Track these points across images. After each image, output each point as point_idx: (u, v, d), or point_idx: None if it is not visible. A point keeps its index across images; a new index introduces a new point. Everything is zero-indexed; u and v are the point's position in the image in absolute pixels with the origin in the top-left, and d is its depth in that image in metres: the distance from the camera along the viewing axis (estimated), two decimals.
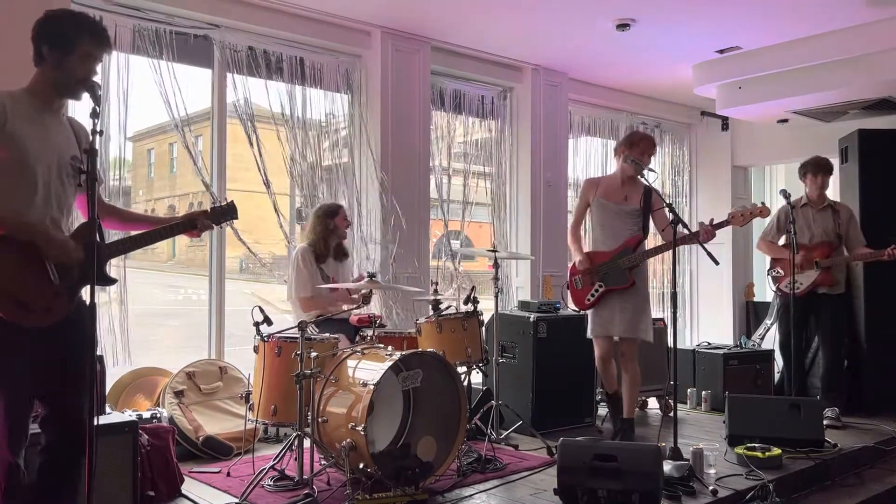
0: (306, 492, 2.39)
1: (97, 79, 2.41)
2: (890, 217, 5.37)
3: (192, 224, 2.66)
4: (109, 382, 4.08)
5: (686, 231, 4.04)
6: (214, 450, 4.01)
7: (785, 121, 6.71)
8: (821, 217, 5.05)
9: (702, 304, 7.98)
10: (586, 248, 4.53)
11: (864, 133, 5.80)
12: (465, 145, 6.13)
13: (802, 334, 5.23)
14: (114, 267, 4.18)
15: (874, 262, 5.14)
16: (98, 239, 2.23)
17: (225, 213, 2.82)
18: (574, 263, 4.48)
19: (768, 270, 5.35)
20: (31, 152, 2.28)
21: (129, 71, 4.38)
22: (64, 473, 2.34)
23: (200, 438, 4.02)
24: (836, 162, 6.35)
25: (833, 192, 7.02)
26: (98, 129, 2.19)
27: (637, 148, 4.32)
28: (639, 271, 4.33)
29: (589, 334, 4.48)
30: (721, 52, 5.87)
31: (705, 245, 3.99)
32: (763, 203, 4.18)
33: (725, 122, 7.66)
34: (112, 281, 2.47)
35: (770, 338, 6.10)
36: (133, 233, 2.72)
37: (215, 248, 4.76)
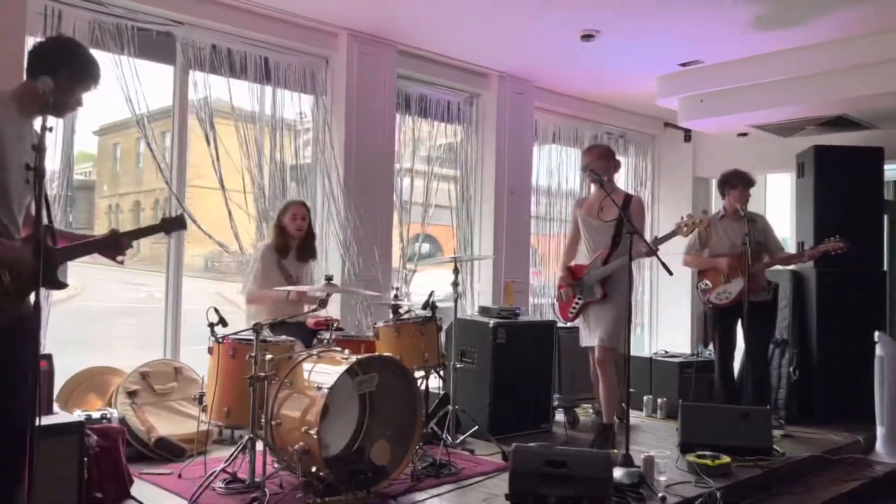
0: (254, 495, 2.37)
1: None
2: (843, 230, 5.51)
3: (113, 243, 2.59)
4: (60, 381, 4.01)
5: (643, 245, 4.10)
6: (167, 451, 3.95)
7: (745, 134, 6.85)
8: (738, 227, 5.13)
9: (661, 313, 8.10)
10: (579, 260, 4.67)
11: (821, 149, 5.95)
12: (429, 149, 6.14)
13: (732, 344, 5.31)
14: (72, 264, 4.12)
15: (826, 272, 5.25)
16: (51, 242, 2.20)
17: (175, 224, 2.80)
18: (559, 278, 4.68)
19: (697, 283, 5.39)
20: (8, 156, 2.31)
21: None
22: (3, 473, 2.30)
23: (153, 439, 3.96)
24: (792, 176, 6.52)
25: (789, 205, 7.21)
26: (47, 125, 2.17)
27: (586, 157, 4.51)
28: (615, 283, 4.35)
29: (581, 344, 4.65)
30: (684, 65, 5.98)
31: (659, 256, 4.05)
32: (705, 212, 4.26)
33: (688, 134, 7.79)
34: (63, 285, 2.45)
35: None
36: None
37: (173, 246, 4.71)
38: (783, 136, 6.80)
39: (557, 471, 3.23)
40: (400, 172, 5.81)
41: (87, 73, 2.50)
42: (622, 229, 4.33)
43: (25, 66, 2.50)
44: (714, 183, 8.15)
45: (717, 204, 8.17)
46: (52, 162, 4.09)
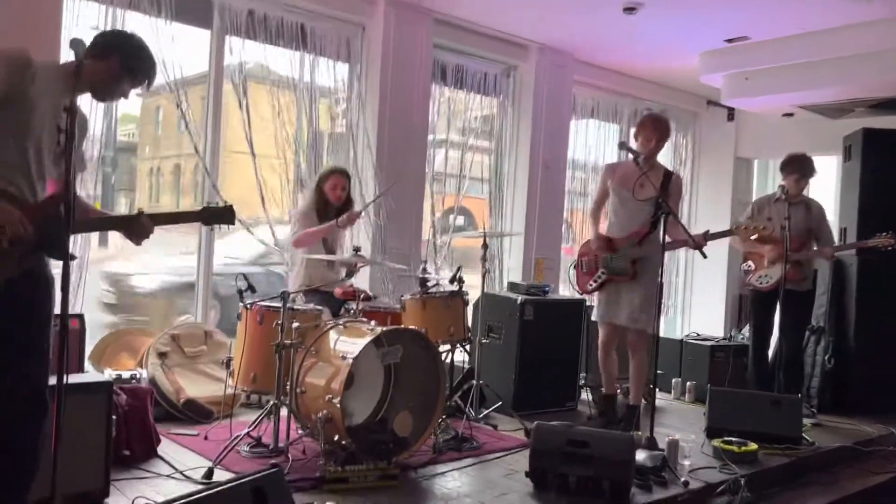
0: (273, 461, 2.41)
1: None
2: (889, 217, 5.32)
3: (135, 224, 2.52)
4: (90, 340, 4.10)
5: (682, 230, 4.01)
6: (195, 412, 4.03)
7: (791, 115, 6.64)
8: (794, 212, 5.00)
9: (695, 295, 7.97)
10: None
11: (870, 132, 5.71)
12: (464, 120, 6.07)
13: (767, 329, 5.20)
14: None
15: (869, 259, 5.10)
16: (68, 210, 2.20)
17: (218, 216, 2.66)
18: (586, 242, 4.48)
19: (741, 264, 5.30)
20: (35, 124, 2.32)
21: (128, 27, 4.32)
22: (21, 429, 2.35)
23: (182, 401, 4.03)
24: (838, 159, 6.31)
25: (834, 189, 6.99)
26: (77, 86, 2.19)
27: (642, 131, 4.25)
28: (647, 263, 4.23)
29: (594, 317, 4.52)
30: (729, 41, 5.78)
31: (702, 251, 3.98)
32: (770, 219, 4.16)
33: (731, 113, 7.58)
34: (72, 258, 2.35)
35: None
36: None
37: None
38: (831, 117, 6.57)
39: (579, 450, 3.21)
40: (434, 143, 5.77)
41: (140, 68, 2.51)
42: (660, 210, 4.18)
43: (87, 46, 2.43)
44: (756, 164, 8.01)
45: (759, 187, 8.01)
46: (95, 123, 4.13)
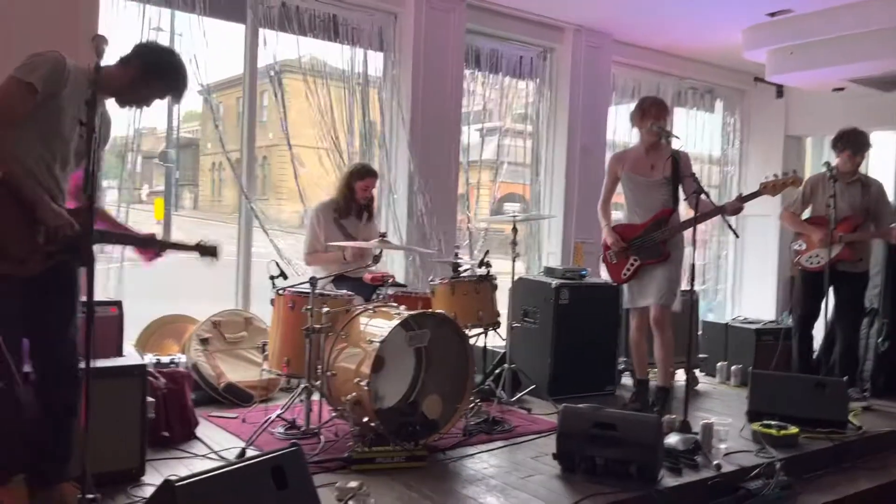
0: (292, 441, 2.49)
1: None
2: None
3: (145, 243, 2.72)
4: (137, 327, 4.27)
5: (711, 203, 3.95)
6: (235, 396, 4.15)
7: (841, 89, 6.38)
8: (849, 191, 4.80)
9: (745, 280, 7.77)
10: (622, 219, 4.48)
11: None
12: (501, 105, 6.05)
13: (815, 312, 5.03)
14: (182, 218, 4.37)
15: None
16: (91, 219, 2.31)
17: (207, 251, 2.89)
18: (604, 240, 4.47)
19: (791, 243, 5.14)
20: (66, 127, 2.46)
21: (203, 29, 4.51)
22: (51, 408, 2.50)
23: (222, 385, 4.17)
24: (894, 134, 6.05)
25: (893, 165, 6.72)
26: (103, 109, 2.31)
27: (649, 115, 4.22)
28: (674, 242, 4.28)
29: (625, 305, 4.52)
30: (772, 15, 5.59)
31: (729, 219, 3.90)
32: (795, 171, 4.03)
33: (780, 90, 7.34)
34: (91, 262, 2.45)
35: None
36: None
37: (244, 201, 4.85)
38: (884, 90, 6.28)
39: (606, 433, 3.19)
40: (470, 129, 5.77)
41: (161, 81, 2.59)
42: (677, 188, 4.22)
43: (124, 53, 2.60)
44: (808, 142, 7.74)
45: (810, 164, 7.74)
46: (157, 120, 4.31)
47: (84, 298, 2.33)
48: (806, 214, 5.14)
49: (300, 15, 4.90)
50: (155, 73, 2.57)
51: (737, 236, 3.80)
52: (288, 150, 4.98)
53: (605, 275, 4.54)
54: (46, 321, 2.46)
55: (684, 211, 4.41)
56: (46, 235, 2.38)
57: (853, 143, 4.83)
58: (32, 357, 2.52)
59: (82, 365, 2.25)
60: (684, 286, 4.54)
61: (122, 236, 2.83)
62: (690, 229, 3.90)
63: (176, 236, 3.11)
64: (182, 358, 4.00)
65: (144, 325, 4.40)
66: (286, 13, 4.84)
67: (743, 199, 4.13)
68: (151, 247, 2.72)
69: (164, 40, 4.43)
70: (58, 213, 2.39)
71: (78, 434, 2.41)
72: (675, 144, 4.17)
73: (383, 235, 3.77)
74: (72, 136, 2.48)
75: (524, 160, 6.25)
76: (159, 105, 4.20)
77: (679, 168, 4.20)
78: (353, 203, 4.50)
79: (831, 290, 4.88)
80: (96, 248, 2.35)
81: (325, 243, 4.43)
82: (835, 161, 4.96)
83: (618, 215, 4.61)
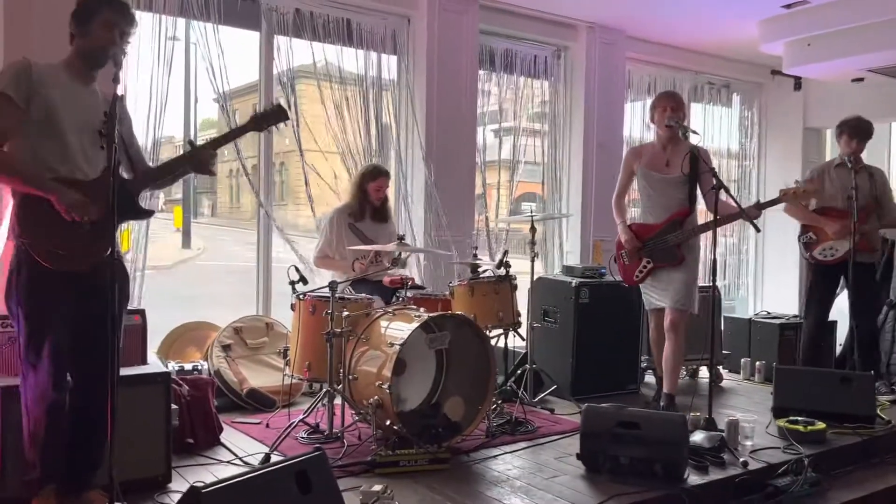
0: (316, 446, 2.49)
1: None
2: None
3: (197, 158, 2.68)
4: (159, 335, 4.30)
5: (733, 202, 3.90)
6: (258, 402, 4.18)
7: (860, 79, 6.30)
8: (859, 180, 4.73)
9: (767, 274, 7.69)
10: (636, 218, 4.41)
11: None
12: (516, 105, 6.04)
13: (829, 306, 4.95)
14: (201, 225, 4.40)
15: None
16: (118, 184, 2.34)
17: (269, 118, 2.76)
18: (618, 239, 4.35)
19: (799, 236, 4.99)
20: (63, 117, 2.50)
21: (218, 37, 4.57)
22: (89, 416, 2.55)
23: (245, 390, 4.19)
24: None
25: None
26: (119, 93, 2.32)
27: (663, 108, 4.12)
28: (689, 245, 4.17)
29: (644, 305, 4.44)
30: (788, 6, 5.54)
31: (754, 223, 3.87)
32: (811, 180, 3.99)
33: (798, 82, 7.26)
34: (149, 213, 2.74)
35: (835, 309, 5.82)
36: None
37: (262, 212, 4.88)
38: None
39: (629, 432, 3.17)
40: (485, 129, 5.77)
41: (90, 13, 2.52)
42: (695, 186, 4.13)
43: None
44: (828, 134, 7.65)
45: (830, 156, 7.64)
46: (174, 128, 4.36)
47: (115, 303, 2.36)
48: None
49: (314, 21, 4.92)
50: (85, 7, 2.54)
51: (758, 230, 3.74)
52: (308, 155, 5.00)
53: (616, 275, 4.42)
54: (89, 329, 2.52)
55: (700, 213, 4.32)
56: (88, 220, 2.44)
57: (855, 128, 4.76)
58: (74, 366, 2.57)
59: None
60: (706, 282, 4.49)
61: (164, 167, 2.75)
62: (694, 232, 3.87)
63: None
64: (204, 365, 4.03)
65: (166, 333, 4.44)
66: (300, 19, 4.86)
67: (761, 207, 4.07)
68: (200, 158, 2.65)
69: (179, 49, 4.49)
70: (73, 198, 2.42)
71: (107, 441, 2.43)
72: (693, 139, 4.05)
73: (401, 238, 3.76)
74: (77, 125, 2.52)
75: (541, 159, 6.24)
76: (176, 113, 4.31)
77: (698, 165, 4.09)
78: (367, 205, 4.51)
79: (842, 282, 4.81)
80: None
81: (343, 248, 4.43)
82: (837, 150, 4.92)
83: (634, 213, 4.56)
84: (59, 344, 2.48)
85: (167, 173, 2.74)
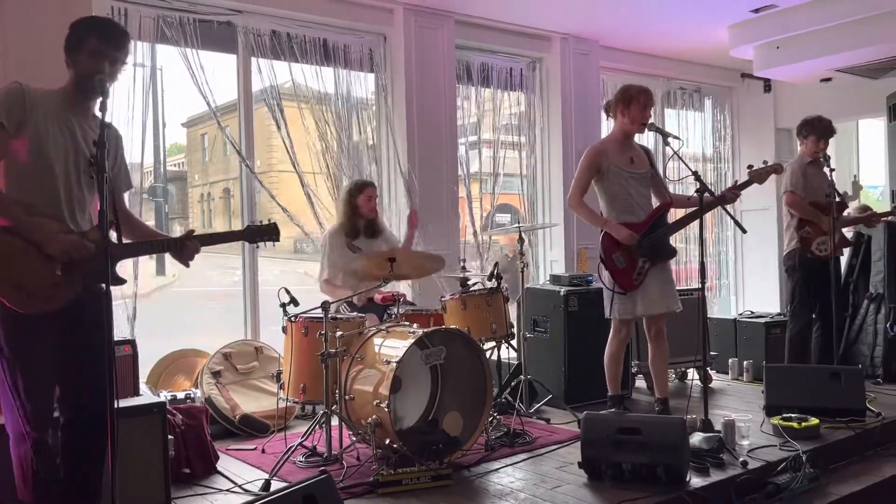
0: (322, 468, 2.45)
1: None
2: None
3: (182, 245, 2.60)
4: (146, 365, 4.23)
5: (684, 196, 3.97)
6: (251, 427, 4.12)
7: (828, 79, 6.44)
8: (822, 176, 4.83)
9: (748, 273, 7.79)
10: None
11: None
12: (494, 118, 6.08)
13: (813, 299, 4.96)
14: None
15: None
16: (114, 237, 2.30)
17: (262, 233, 2.73)
18: (604, 236, 3.96)
19: (797, 229, 4.90)
20: (51, 148, 2.43)
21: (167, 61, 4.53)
22: (84, 451, 2.47)
23: (237, 417, 4.13)
24: (883, 121, 6.10)
25: (881, 150, 6.77)
26: (106, 121, 2.27)
27: (636, 103, 3.90)
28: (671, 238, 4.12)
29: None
30: (756, 11, 5.66)
31: (730, 212, 3.89)
32: (778, 162, 4.09)
33: (768, 84, 7.41)
34: (121, 281, 2.51)
35: None
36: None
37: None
38: (872, 77, 6.35)
39: (630, 437, 3.17)
40: (465, 143, 5.79)
41: (79, 41, 2.47)
42: (659, 178, 4.15)
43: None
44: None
45: None
46: (144, 155, 4.32)
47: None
48: None
49: (291, 41, 4.92)
50: (78, 35, 2.49)
51: (744, 231, 3.77)
52: (279, 176, 4.99)
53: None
54: (77, 363, 2.44)
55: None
56: (63, 266, 2.37)
57: (818, 128, 4.85)
58: (62, 402, 2.49)
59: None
60: (695, 284, 4.52)
61: (150, 244, 2.67)
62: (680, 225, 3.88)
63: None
64: (197, 393, 3.97)
65: (152, 362, 4.37)
66: (277, 41, 4.86)
67: (737, 188, 4.09)
68: (185, 249, 2.58)
69: (144, 75, 4.45)
70: (62, 241, 2.37)
71: (105, 475, 2.38)
72: (675, 145, 3.96)
73: (392, 260, 3.74)
74: (68, 158, 2.46)
75: (519, 171, 6.27)
76: (143, 139, 4.23)
77: (653, 161, 4.12)
78: (359, 220, 4.47)
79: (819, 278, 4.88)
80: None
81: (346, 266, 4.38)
82: (799, 149, 4.99)
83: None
84: (34, 383, 2.39)
85: (148, 251, 2.71)
